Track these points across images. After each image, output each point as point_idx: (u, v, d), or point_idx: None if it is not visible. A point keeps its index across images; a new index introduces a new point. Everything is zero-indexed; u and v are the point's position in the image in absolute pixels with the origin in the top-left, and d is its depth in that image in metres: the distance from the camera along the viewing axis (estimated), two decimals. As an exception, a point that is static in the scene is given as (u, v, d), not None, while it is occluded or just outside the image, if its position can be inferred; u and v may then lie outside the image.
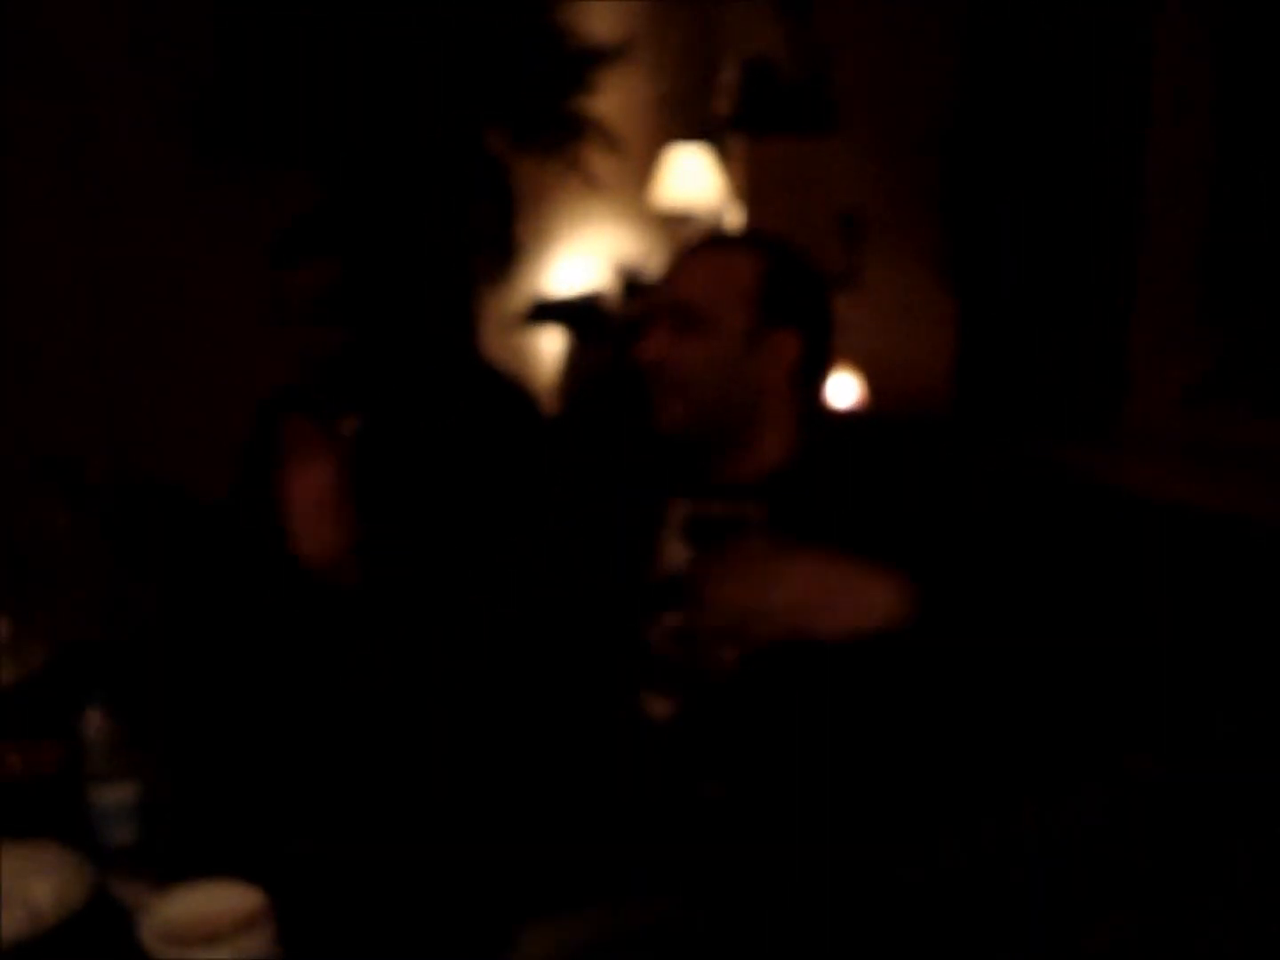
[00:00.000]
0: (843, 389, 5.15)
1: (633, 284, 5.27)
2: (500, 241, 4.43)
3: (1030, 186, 5.30)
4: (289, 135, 4.05)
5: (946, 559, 1.68)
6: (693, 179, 5.40)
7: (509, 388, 2.40)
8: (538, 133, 4.39)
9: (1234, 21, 4.92)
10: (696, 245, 1.91)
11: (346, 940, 1.52)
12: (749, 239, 1.90)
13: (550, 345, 5.46)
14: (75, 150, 4.04)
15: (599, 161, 4.65)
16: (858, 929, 1.56)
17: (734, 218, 5.67)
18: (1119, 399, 5.30)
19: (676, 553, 1.84)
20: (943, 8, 5.55)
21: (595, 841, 1.70)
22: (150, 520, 2.39)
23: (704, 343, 1.76)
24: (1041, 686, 1.60)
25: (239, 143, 4.06)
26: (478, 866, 1.63)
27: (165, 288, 4.24)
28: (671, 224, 5.63)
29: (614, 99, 4.98)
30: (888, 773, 1.64)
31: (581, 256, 5.47)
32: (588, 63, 4.46)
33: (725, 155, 5.62)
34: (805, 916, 1.59)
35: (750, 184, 5.66)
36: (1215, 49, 4.95)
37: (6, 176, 3.92)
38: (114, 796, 1.67)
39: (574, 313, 5.21)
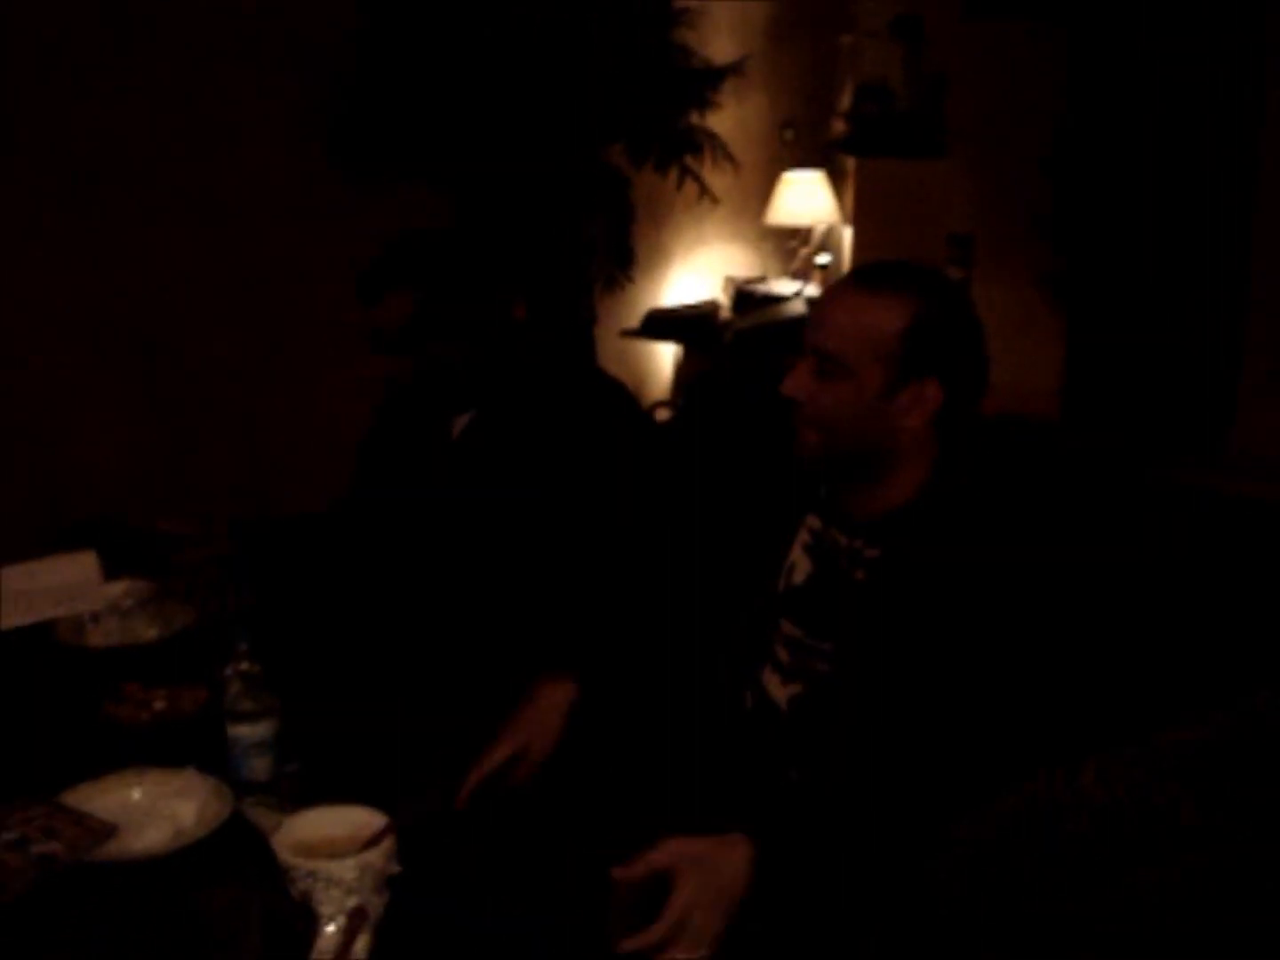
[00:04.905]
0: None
1: (745, 297, 5.36)
2: (617, 252, 4.54)
3: (1141, 207, 5.31)
4: (418, 148, 4.20)
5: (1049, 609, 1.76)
6: (806, 198, 5.50)
7: (617, 392, 2.50)
8: (656, 147, 4.50)
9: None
10: (845, 286, 1.90)
11: (459, 863, 1.66)
12: (900, 279, 1.82)
13: (664, 355, 5.58)
14: (212, 158, 4.19)
15: (715, 177, 4.76)
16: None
17: (846, 237, 5.77)
18: (1229, 420, 5.29)
19: (802, 565, 1.94)
20: (1052, 34, 5.59)
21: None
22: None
23: (842, 390, 1.79)
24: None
25: (371, 155, 4.20)
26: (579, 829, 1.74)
27: (296, 295, 4.40)
28: (784, 240, 5.74)
29: (731, 118, 5.10)
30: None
31: (696, 270, 5.59)
32: (706, 81, 4.57)
33: (838, 176, 5.72)
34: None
35: (862, 204, 5.74)
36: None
37: (144, 182, 4.09)
38: (251, 734, 1.81)
39: (687, 324, 5.33)
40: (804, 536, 1.94)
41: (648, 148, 4.50)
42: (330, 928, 1.46)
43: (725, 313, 5.38)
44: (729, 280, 5.53)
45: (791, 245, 5.73)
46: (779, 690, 1.93)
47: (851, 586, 1.86)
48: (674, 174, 4.59)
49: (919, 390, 1.79)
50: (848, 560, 1.87)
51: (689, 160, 4.58)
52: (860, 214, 5.76)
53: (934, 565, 1.77)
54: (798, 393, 1.82)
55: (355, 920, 1.46)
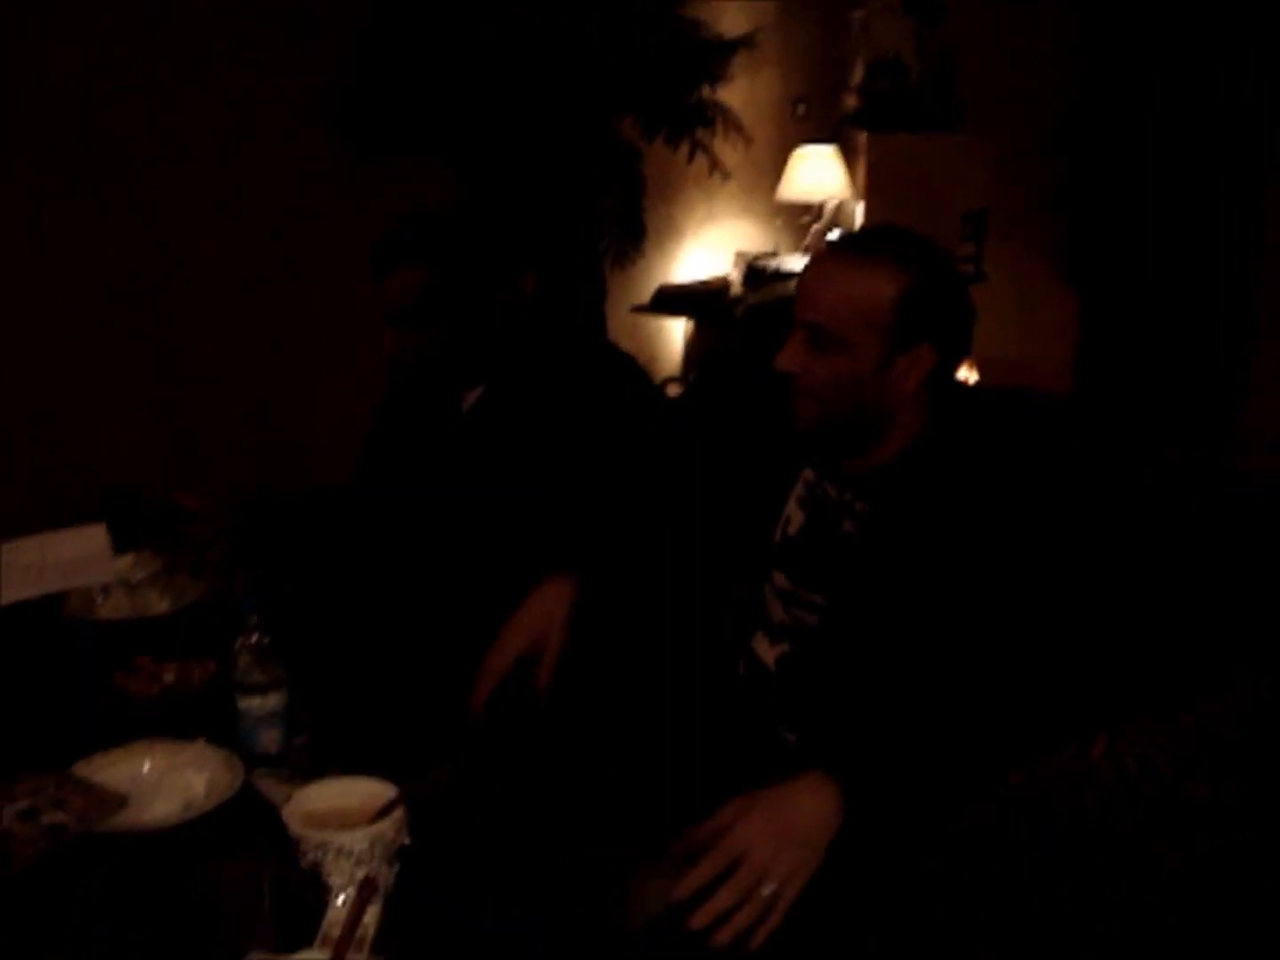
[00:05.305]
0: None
1: (756, 273, 5.35)
2: (628, 227, 4.52)
3: (1154, 184, 5.29)
4: (428, 125, 4.16)
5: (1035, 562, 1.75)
6: (818, 173, 5.48)
7: (627, 367, 2.49)
8: (667, 120, 4.47)
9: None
10: (833, 256, 1.89)
11: (468, 836, 1.65)
12: (888, 247, 1.81)
13: (674, 331, 5.57)
14: (219, 138, 4.16)
15: (726, 152, 4.74)
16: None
17: (857, 212, 5.74)
18: (1240, 399, 5.28)
19: (796, 517, 1.96)
20: (1067, 9, 5.57)
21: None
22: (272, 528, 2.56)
23: (839, 362, 1.78)
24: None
25: (379, 136, 4.16)
26: (593, 808, 1.73)
27: (304, 283, 4.37)
28: (796, 216, 5.72)
29: (743, 92, 5.07)
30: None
31: (707, 245, 5.57)
32: (717, 54, 4.53)
33: (850, 151, 5.69)
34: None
35: (874, 179, 5.72)
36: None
37: (151, 163, 4.05)
38: (261, 706, 1.81)
39: (698, 300, 5.31)
40: (799, 490, 1.96)
41: (659, 121, 4.47)
42: (340, 899, 1.46)
43: (736, 288, 5.35)
44: (740, 255, 5.51)
45: (803, 221, 5.70)
46: (767, 652, 1.95)
47: (840, 538, 1.88)
48: (685, 148, 4.57)
49: (914, 355, 1.79)
50: (838, 512, 1.90)
51: (700, 134, 4.55)
52: (872, 189, 5.74)
53: (921, 519, 1.80)
54: (793, 366, 1.82)
55: (365, 891, 1.46)
